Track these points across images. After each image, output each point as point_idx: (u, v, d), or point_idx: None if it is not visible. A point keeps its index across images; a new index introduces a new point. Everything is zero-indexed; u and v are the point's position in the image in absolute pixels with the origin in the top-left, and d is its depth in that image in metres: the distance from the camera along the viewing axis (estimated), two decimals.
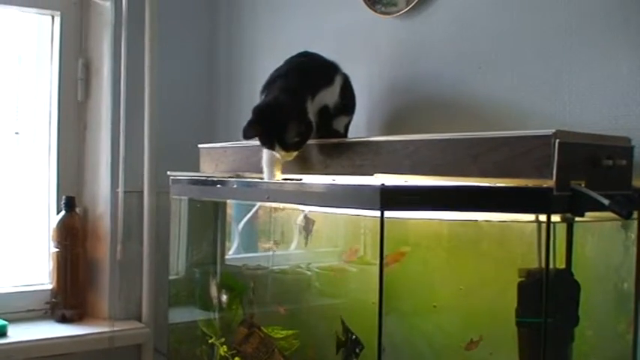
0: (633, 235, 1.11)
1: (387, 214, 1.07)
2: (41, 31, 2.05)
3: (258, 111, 1.30)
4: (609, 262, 1.14)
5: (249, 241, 1.73)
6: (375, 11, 1.58)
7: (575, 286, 1.05)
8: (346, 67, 1.44)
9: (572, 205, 0.97)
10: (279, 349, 1.43)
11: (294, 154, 1.31)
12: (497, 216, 1.04)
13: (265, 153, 1.39)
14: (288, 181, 1.36)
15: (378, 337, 1.07)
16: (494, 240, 1.10)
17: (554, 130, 0.95)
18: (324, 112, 1.36)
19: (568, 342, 1.04)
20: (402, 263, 1.14)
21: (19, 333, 1.83)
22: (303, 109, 1.30)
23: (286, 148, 1.29)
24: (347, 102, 1.43)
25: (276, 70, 1.40)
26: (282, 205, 1.45)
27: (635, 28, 1.15)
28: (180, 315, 1.78)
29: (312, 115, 1.32)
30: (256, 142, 1.33)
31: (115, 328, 1.93)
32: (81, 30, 2.06)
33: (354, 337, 1.17)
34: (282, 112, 1.28)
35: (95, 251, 2.04)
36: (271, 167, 1.39)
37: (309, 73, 1.38)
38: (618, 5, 1.17)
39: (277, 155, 1.32)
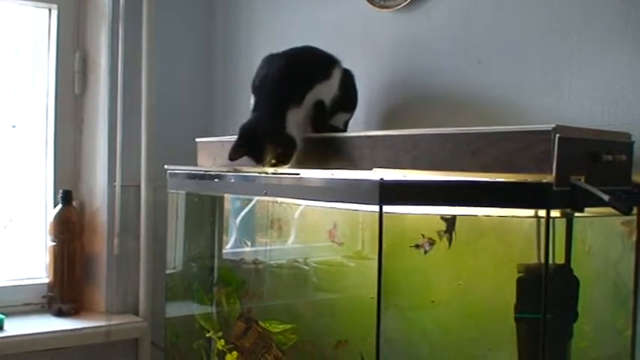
0: (633, 231, 1.10)
1: (386, 208, 1.06)
2: (38, 24, 2.04)
3: (242, 133, 1.34)
4: (608, 258, 1.14)
5: (247, 235, 1.72)
6: (374, 4, 1.57)
7: (575, 282, 1.04)
8: (344, 61, 1.43)
9: (572, 200, 0.96)
10: (277, 343, 1.43)
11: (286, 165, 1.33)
12: (497, 211, 1.03)
13: None
14: (286, 176, 1.35)
15: (376, 332, 1.06)
16: (493, 235, 1.09)
17: (554, 125, 0.95)
18: (319, 107, 1.36)
19: (567, 338, 1.04)
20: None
21: (16, 327, 1.82)
22: (281, 128, 1.31)
23: (268, 165, 1.33)
24: (347, 97, 1.43)
25: (266, 71, 1.38)
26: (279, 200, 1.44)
27: (635, 22, 1.14)
28: (177, 309, 1.78)
29: (294, 127, 1.32)
30: None
31: (112, 322, 1.92)
32: (78, 23, 2.05)
33: None
34: (260, 136, 1.31)
35: (92, 245, 2.04)
36: None
37: (300, 71, 1.37)
38: (619, 0, 1.16)
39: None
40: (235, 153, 1.34)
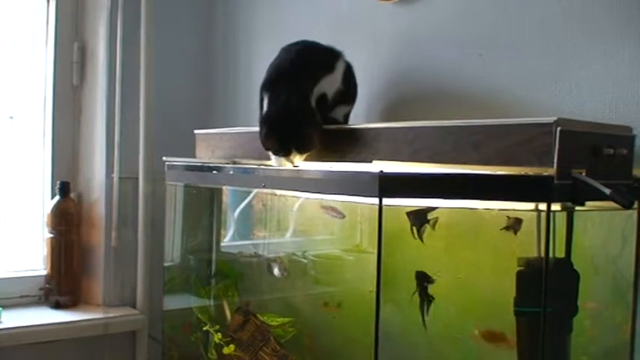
0: (633, 225, 1.10)
1: (386, 201, 1.06)
2: (36, 14, 2.02)
3: (273, 121, 1.29)
4: (609, 252, 1.14)
5: (245, 228, 1.72)
6: None
7: (575, 276, 1.04)
8: (345, 54, 1.42)
9: (573, 193, 0.96)
10: (275, 336, 1.42)
11: (302, 158, 1.30)
12: (497, 204, 1.03)
13: None
14: (285, 168, 1.35)
15: (375, 326, 1.06)
16: (493, 228, 1.09)
17: (555, 118, 0.94)
18: (322, 101, 1.35)
19: (567, 332, 1.04)
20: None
21: (13, 319, 1.82)
22: (312, 110, 1.29)
23: (302, 151, 1.28)
24: (348, 89, 1.42)
25: (276, 65, 1.38)
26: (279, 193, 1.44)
27: (638, 15, 1.13)
28: (175, 302, 1.77)
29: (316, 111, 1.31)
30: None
31: (110, 315, 1.92)
32: (76, 13, 2.03)
33: None
34: (298, 120, 1.27)
35: (90, 237, 2.03)
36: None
37: (309, 64, 1.36)
38: None
39: (288, 162, 1.31)
40: (268, 143, 1.29)
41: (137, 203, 1.99)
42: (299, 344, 1.39)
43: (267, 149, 1.31)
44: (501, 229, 1.06)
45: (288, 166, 1.33)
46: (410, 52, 1.51)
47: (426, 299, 1.13)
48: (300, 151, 1.28)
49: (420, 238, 1.12)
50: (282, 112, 1.29)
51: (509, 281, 1.04)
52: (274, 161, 1.35)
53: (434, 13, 1.46)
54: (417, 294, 1.13)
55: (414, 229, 1.12)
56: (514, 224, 1.06)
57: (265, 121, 1.30)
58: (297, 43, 1.41)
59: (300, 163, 1.31)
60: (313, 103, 1.31)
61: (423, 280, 1.13)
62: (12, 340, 1.77)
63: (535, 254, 1.00)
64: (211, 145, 1.65)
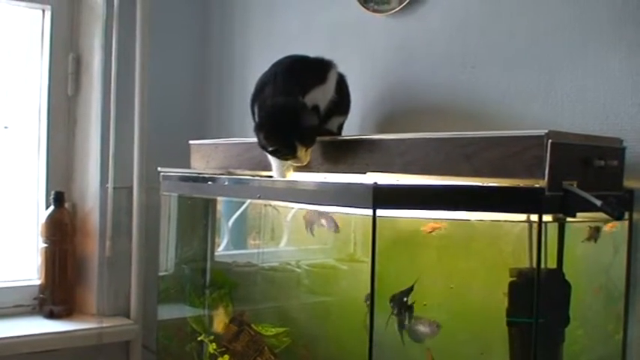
0: (624, 236, 1.11)
1: (379, 212, 1.07)
2: (32, 25, 2.03)
3: (268, 122, 1.29)
4: (600, 263, 1.15)
5: (239, 238, 1.72)
6: (368, 9, 1.58)
7: (566, 286, 1.05)
8: (339, 66, 1.43)
9: (564, 205, 0.97)
10: (269, 346, 1.43)
11: (309, 154, 1.30)
12: (489, 215, 1.04)
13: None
14: (285, 179, 1.35)
15: (369, 335, 1.07)
16: (485, 239, 1.10)
17: (546, 131, 0.96)
18: (315, 113, 1.36)
19: (559, 342, 1.05)
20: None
21: (7, 329, 1.81)
22: (302, 102, 1.29)
23: (307, 142, 1.27)
24: (342, 100, 1.43)
25: (263, 78, 1.38)
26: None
27: (628, 29, 1.15)
28: (169, 312, 1.77)
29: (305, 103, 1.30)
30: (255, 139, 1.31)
31: (104, 325, 1.92)
32: (72, 24, 2.04)
33: None
34: (290, 110, 1.27)
35: (84, 247, 2.03)
36: (281, 166, 1.35)
37: (297, 74, 1.37)
38: (611, 6, 1.17)
39: (292, 163, 1.31)
40: (267, 143, 1.27)
41: (131, 213, 2.00)
42: (294, 354, 1.39)
43: (271, 151, 1.29)
44: (582, 241, 1.08)
45: (291, 175, 1.33)
46: (403, 65, 1.52)
47: (406, 310, 1.14)
48: (305, 143, 1.27)
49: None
50: (275, 109, 1.29)
51: (501, 292, 1.05)
52: (276, 171, 1.36)
53: (427, 26, 1.47)
54: (393, 316, 1.15)
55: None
56: (594, 234, 1.09)
57: (260, 125, 1.29)
58: (286, 57, 1.41)
59: (295, 173, 1.32)
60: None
61: (402, 297, 1.14)
62: (6, 350, 1.76)
63: (527, 265, 1.01)
64: (206, 155, 1.65)
